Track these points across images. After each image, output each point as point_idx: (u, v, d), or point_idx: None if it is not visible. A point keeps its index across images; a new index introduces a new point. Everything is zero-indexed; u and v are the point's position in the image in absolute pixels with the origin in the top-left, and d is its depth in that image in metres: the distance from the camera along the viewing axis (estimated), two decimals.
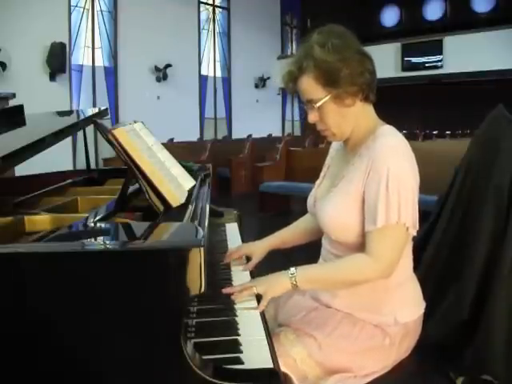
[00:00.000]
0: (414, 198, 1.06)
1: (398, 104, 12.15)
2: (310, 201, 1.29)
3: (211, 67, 10.68)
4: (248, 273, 1.31)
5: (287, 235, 1.43)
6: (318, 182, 1.30)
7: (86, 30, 7.99)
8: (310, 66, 1.06)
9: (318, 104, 1.08)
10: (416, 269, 1.27)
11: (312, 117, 1.11)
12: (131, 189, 1.31)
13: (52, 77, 7.20)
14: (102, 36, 8.24)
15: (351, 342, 1.11)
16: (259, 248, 1.37)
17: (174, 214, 1.06)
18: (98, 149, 7.58)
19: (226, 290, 1.10)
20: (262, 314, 1.07)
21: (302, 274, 1.09)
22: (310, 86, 1.08)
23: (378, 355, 1.12)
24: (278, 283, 1.10)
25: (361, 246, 1.11)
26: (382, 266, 1.06)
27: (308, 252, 1.47)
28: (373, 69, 1.10)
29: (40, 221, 1.15)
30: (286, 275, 1.09)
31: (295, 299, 1.29)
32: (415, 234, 1.11)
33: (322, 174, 1.30)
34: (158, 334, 0.77)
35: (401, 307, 1.16)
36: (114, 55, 8.32)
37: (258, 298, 1.13)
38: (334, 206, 1.13)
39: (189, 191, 1.25)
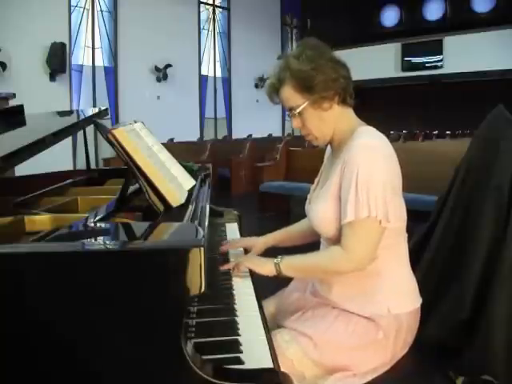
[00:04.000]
0: (384, 193, 1.08)
1: (398, 104, 12.15)
2: (306, 204, 1.34)
3: (211, 67, 10.68)
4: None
5: (287, 234, 1.47)
6: (312, 187, 1.36)
7: (86, 30, 7.99)
8: (287, 76, 1.15)
9: (298, 110, 1.16)
10: (416, 269, 1.28)
11: (295, 123, 1.21)
12: (131, 189, 1.31)
13: (52, 77, 7.20)
14: (102, 36, 8.24)
15: (346, 338, 1.13)
16: (259, 243, 1.43)
17: (174, 214, 1.07)
18: (98, 149, 7.58)
19: (223, 267, 1.27)
20: (262, 314, 1.07)
21: (285, 261, 1.19)
22: (289, 94, 1.17)
23: (373, 350, 1.14)
24: (264, 264, 1.21)
25: None
26: (355, 257, 1.11)
27: (307, 250, 1.47)
28: (347, 75, 1.18)
29: (40, 221, 1.15)
30: (272, 260, 1.20)
31: (295, 297, 1.32)
32: (401, 226, 1.18)
33: (316, 180, 1.36)
34: (158, 333, 0.77)
35: (393, 297, 1.17)
36: (114, 55, 8.32)
37: (258, 299, 1.14)
38: (319, 206, 1.20)
39: (189, 191, 1.25)
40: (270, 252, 1.43)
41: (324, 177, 1.29)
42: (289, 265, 1.19)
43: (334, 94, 1.14)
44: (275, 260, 1.19)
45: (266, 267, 1.19)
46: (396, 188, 1.14)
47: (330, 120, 1.18)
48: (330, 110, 1.16)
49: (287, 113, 1.22)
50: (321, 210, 1.19)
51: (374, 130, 1.19)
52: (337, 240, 1.17)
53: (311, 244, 1.41)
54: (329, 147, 1.33)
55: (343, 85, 1.15)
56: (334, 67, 1.14)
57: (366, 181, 1.07)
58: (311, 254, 1.25)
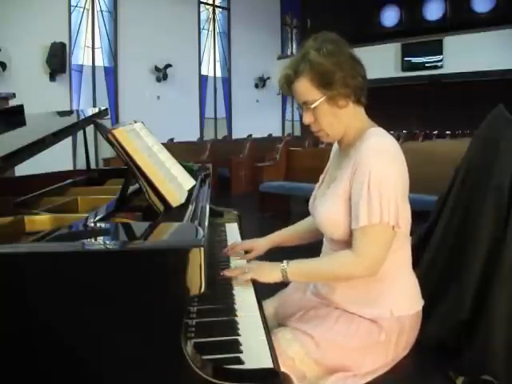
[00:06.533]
0: (396, 197, 1.08)
1: (398, 104, 12.15)
2: (310, 202, 1.33)
3: (211, 67, 10.69)
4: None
5: (289, 234, 1.46)
6: (317, 184, 1.35)
7: (86, 30, 8.00)
8: (306, 69, 1.11)
9: (314, 105, 1.13)
10: (416, 268, 1.28)
11: (307, 118, 1.16)
12: (131, 189, 1.31)
13: (52, 77, 7.21)
14: (102, 36, 8.25)
15: (348, 339, 1.12)
16: (260, 245, 1.41)
17: (174, 213, 1.06)
18: (98, 149, 7.59)
19: (224, 272, 1.21)
20: (262, 314, 1.07)
21: (292, 266, 1.15)
22: (305, 87, 1.13)
23: (375, 352, 1.13)
24: (269, 271, 1.17)
25: None
26: (365, 262, 1.09)
27: (308, 251, 1.47)
28: (364, 74, 1.15)
29: (40, 221, 1.15)
30: (278, 266, 1.16)
31: (295, 298, 1.31)
32: (406, 230, 1.15)
33: (321, 178, 1.35)
34: (158, 333, 0.77)
35: (396, 300, 1.17)
36: (114, 55, 8.33)
37: (258, 299, 1.14)
38: (326, 206, 1.18)
39: (189, 191, 1.25)
40: (270, 253, 1.43)
41: (330, 175, 1.28)
42: (296, 270, 1.15)
43: (350, 92, 1.12)
44: (281, 265, 1.15)
45: (272, 275, 1.16)
46: (405, 192, 1.13)
47: (343, 118, 1.16)
48: (344, 108, 1.14)
49: (298, 106, 1.19)
50: (328, 211, 1.17)
51: (385, 131, 1.17)
52: (342, 241, 1.16)
53: (313, 244, 1.41)
54: (335, 144, 1.32)
55: (360, 84, 1.13)
56: (354, 65, 1.13)
57: (379, 184, 1.06)
58: (319, 259, 1.24)
